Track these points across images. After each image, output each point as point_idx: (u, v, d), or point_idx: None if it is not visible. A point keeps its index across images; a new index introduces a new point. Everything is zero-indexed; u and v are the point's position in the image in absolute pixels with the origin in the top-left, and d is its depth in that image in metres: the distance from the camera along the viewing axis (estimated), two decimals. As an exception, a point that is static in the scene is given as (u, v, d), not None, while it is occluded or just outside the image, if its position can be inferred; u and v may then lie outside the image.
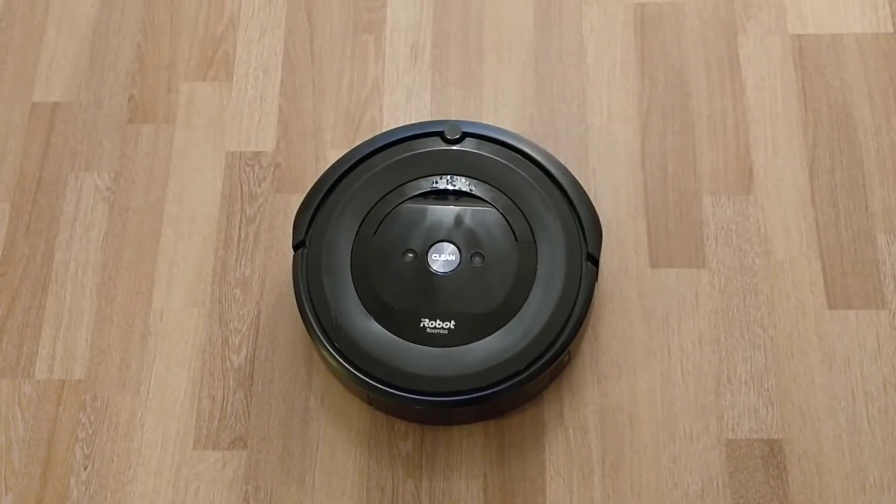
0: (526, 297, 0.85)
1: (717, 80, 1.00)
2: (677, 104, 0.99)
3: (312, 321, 0.85)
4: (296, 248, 0.88)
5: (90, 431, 0.89)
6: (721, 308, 0.91)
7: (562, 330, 0.83)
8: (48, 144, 1.01)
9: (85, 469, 0.88)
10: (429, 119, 1.00)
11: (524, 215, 0.88)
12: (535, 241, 0.87)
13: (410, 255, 0.86)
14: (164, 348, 0.92)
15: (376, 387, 0.83)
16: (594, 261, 0.86)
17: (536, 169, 0.90)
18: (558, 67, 1.01)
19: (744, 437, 0.87)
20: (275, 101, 1.01)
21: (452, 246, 0.86)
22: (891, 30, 1.01)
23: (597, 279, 0.87)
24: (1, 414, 0.90)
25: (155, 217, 0.97)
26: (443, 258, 0.86)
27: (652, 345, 0.90)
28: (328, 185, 0.90)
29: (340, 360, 0.83)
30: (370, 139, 0.92)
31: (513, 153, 0.90)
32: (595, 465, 0.86)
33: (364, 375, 0.83)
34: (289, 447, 0.88)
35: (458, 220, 0.87)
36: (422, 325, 0.84)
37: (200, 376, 0.91)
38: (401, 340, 0.83)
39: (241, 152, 0.99)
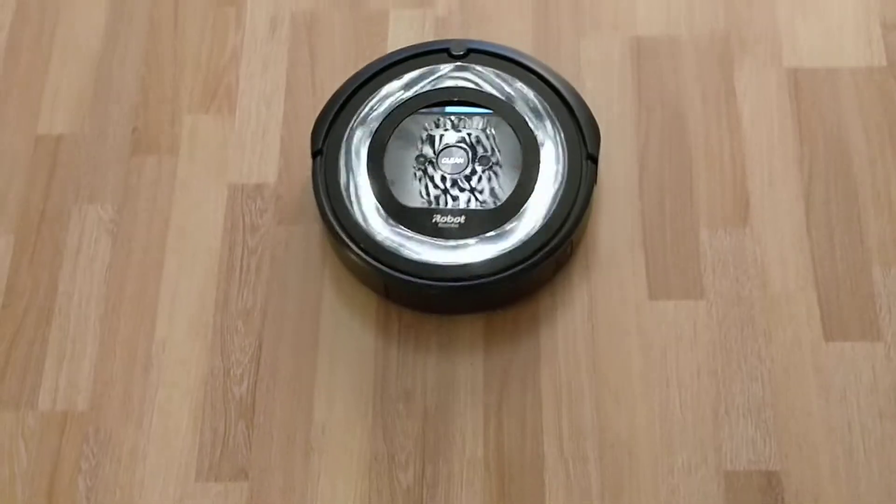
0: (530, 194, 0.92)
1: (713, 112, 1.02)
2: (674, 136, 1.01)
3: (332, 220, 0.92)
4: (314, 155, 0.95)
5: (93, 463, 0.90)
6: (718, 339, 0.92)
7: (564, 222, 0.91)
8: (52, 176, 1.02)
9: (88, 501, 0.88)
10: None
11: (527, 120, 0.95)
12: (537, 143, 0.94)
13: (422, 158, 0.94)
14: (167, 380, 0.93)
15: (393, 276, 0.89)
16: (594, 160, 0.94)
17: (538, 80, 0.98)
18: (557, 100, 1.03)
19: (742, 469, 0.87)
20: (277, 133, 1.03)
21: (461, 150, 0.94)
22: (885, 64, 1.02)
23: (596, 179, 0.94)
24: (4, 446, 0.90)
25: (158, 249, 0.98)
26: (452, 161, 0.94)
27: (650, 377, 0.91)
28: (343, 99, 0.97)
29: (361, 254, 0.91)
30: (380, 58, 1.00)
31: (515, 66, 0.98)
32: (594, 497, 0.87)
33: (383, 265, 0.90)
34: (290, 479, 0.88)
35: (466, 126, 0.96)
36: (434, 220, 0.91)
37: (202, 408, 0.91)
38: (415, 234, 0.91)
39: (242, 184, 1.00)
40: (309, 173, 0.99)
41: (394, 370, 0.92)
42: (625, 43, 1.05)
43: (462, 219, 0.91)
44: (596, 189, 0.98)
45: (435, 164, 0.94)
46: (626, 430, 0.89)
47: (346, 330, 0.94)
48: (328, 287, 0.96)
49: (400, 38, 1.06)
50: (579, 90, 1.00)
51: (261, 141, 1.02)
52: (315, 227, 0.98)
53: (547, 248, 0.90)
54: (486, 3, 1.08)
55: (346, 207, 0.92)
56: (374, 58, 1.03)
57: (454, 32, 1.06)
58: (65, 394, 0.92)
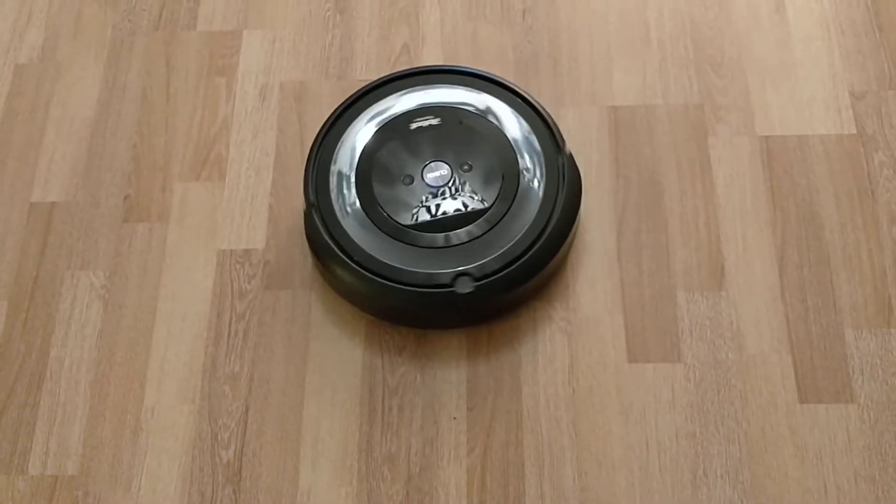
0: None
1: (688, 178, 1.05)
2: (651, 203, 1.04)
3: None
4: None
5: (81, 528, 0.91)
6: (696, 402, 0.94)
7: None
8: (45, 243, 1.04)
9: (75, 566, 0.89)
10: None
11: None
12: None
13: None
14: (156, 444, 0.94)
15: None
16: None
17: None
18: (537, 167, 1.06)
19: (720, 531, 0.89)
20: (265, 200, 1.05)
21: (443, 163, 0.99)
22: (854, 131, 1.06)
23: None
24: (-6, 511, 0.92)
25: (148, 314, 1.00)
26: (436, 174, 0.98)
27: (630, 439, 0.93)
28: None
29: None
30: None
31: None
32: (576, 560, 0.88)
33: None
34: (276, 543, 0.90)
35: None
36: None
37: (190, 472, 0.93)
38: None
39: (231, 250, 1.03)
40: (296, 244, 1.02)
41: (378, 433, 0.94)
42: (602, 112, 1.08)
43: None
44: (574, 252, 1.01)
45: (420, 178, 0.98)
46: (606, 492, 0.90)
47: (331, 394, 0.96)
48: (314, 351, 0.98)
49: (385, 107, 1.09)
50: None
51: (249, 207, 1.05)
52: (301, 293, 1.00)
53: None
54: (468, 73, 1.11)
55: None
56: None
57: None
58: (55, 458, 0.94)
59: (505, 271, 0.94)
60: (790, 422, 0.93)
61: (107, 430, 0.95)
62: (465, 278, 0.93)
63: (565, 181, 0.97)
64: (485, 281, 0.93)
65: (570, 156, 1.00)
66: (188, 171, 1.07)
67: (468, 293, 0.92)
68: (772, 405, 0.94)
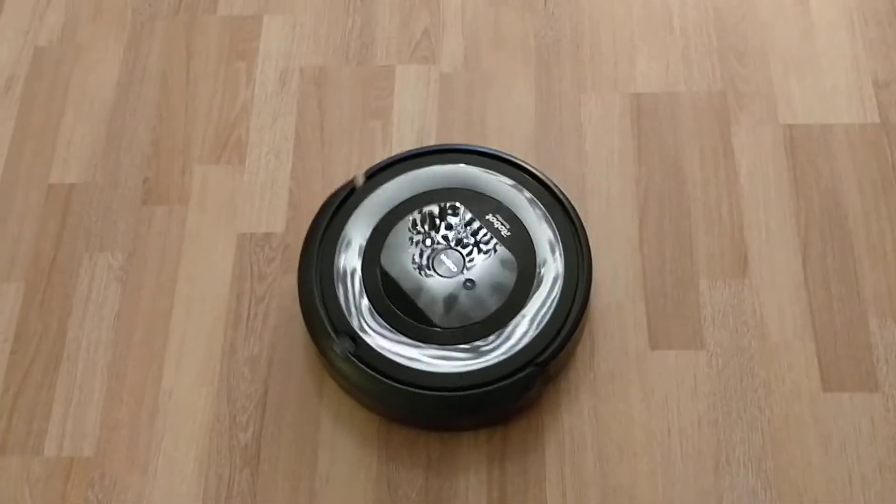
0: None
1: (711, 167, 1.04)
2: (673, 190, 1.03)
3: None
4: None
5: (98, 510, 0.90)
6: (719, 390, 0.93)
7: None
8: (63, 225, 1.04)
9: (91, 548, 0.89)
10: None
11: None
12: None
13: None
14: (173, 427, 0.93)
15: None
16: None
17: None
18: (558, 154, 1.05)
19: (743, 519, 0.88)
20: (286, 184, 1.05)
21: (455, 252, 0.94)
22: (878, 121, 1.05)
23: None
24: (10, 492, 0.91)
25: (166, 297, 0.99)
26: (446, 265, 0.93)
27: (652, 426, 0.92)
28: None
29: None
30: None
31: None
32: (597, 547, 0.87)
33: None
34: (294, 527, 0.89)
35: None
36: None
37: (208, 455, 0.92)
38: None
39: (251, 234, 1.02)
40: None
41: (398, 422, 0.93)
42: (625, 99, 1.08)
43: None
44: (597, 242, 1.00)
45: (429, 269, 0.93)
46: (628, 479, 0.90)
47: (351, 378, 0.95)
48: (334, 335, 0.97)
49: (406, 92, 1.09)
50: (578, 145, 1.02)
51: (269, 191, 1.05)
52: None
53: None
54: (489, 60, 1.11)
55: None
56: (379, 110, 1.06)
57: (458, 89, 1.09)
58: (71, 440, 0.93)
59: None
60: (814, 410, 0.92)
61: (124, 412, 0.94)
62: None
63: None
64: None
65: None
66: (208, 155, 1.07)
67: None
68: (795, 393, 0.93)
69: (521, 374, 0.88)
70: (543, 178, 0.97)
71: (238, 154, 1.07)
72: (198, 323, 0.98)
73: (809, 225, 1.01)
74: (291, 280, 1.00)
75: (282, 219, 1.03)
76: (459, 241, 0.94)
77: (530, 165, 0.98)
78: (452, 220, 0.95)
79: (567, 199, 0.97)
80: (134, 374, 0.96)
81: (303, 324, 0.97)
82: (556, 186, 0.97)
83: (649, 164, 1.04)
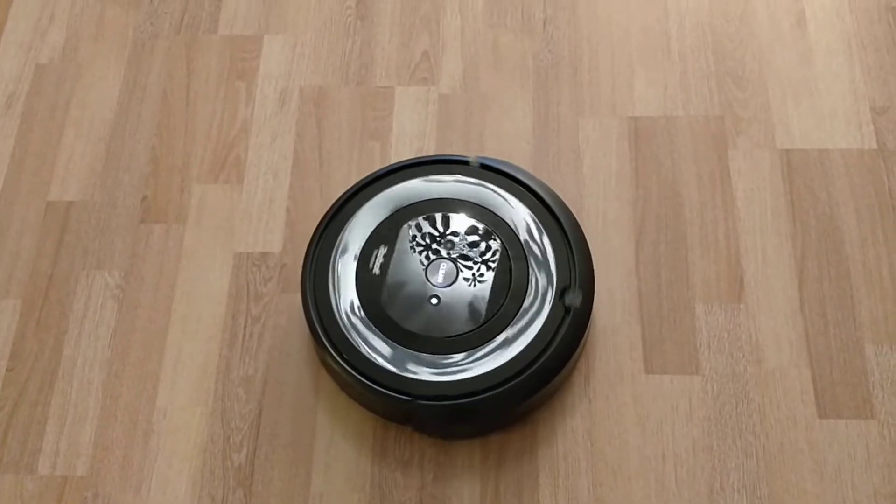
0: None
1: (708, 191, 1.04)
2: (670, 214, 1.03)
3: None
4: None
5: (90, 529, 0.90)
6: (714, 415, 0.93)
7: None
8: (61, 242, 1.04)
9: (83, 567, 0.88)
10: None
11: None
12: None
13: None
14: (167, 446, 0.93)
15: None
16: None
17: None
18: (556, 176, 1.05)
19: (737, 546, 0.88)
20: (283, 204, 1.05)
21: (448, 262, 0.94)
22: (875, 146, 1.05)
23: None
24: (2, 510, 0.91)
25: (163, 315, 0.99)
26: (441, 273, 0.94)
27: (646, 451, 0.92)
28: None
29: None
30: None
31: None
32: (590, 572, 0.87)
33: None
34: (286, 548, 0.89)
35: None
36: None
37: (201, 475, 0.92)
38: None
39: (248, 253, 1.03)
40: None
41: (392, 442, 0.93)
42: (623, 122, 1.08)
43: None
44: (594, 264, 1.00)
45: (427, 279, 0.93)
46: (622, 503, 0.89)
47: (347, 397, 0.95)
48: (329, 356, 0.97)
49: (405, 113, 1.09)
50: (575, 168, 1.02)
51: (267, 211, 1.05)
52: (318, 297, 1.00)
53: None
54: (488, 81, 1.11)
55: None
56: (378, 130, 1.06)
57: (457, 110, 1.10)
58: (65, 458, 0.93)
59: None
60: (809, 437, 0.92)
61: (118, 431, 0.94)
62: None
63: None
64: None
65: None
66: (206, 174, 1.07)
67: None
68: (790, 419, 0.92)
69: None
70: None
71: (236, 173, 1.07)
72: (193, 342, 0.98)
73: (806, 250, 1.01)
74: (288, 300, 1.00)
75: (279, 238, 1.03)
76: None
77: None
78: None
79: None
80: (129, 393, 0.96)
81: (298, 344, 0.97)
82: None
83: (646, 188, 1.04)
